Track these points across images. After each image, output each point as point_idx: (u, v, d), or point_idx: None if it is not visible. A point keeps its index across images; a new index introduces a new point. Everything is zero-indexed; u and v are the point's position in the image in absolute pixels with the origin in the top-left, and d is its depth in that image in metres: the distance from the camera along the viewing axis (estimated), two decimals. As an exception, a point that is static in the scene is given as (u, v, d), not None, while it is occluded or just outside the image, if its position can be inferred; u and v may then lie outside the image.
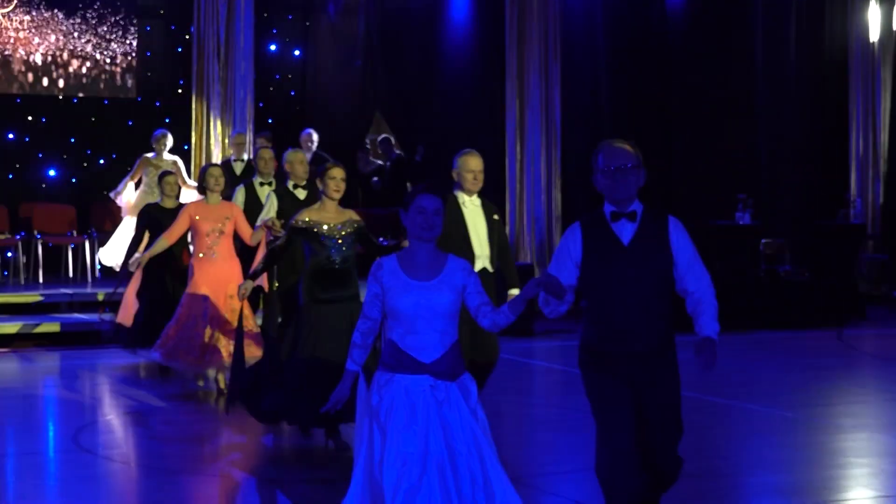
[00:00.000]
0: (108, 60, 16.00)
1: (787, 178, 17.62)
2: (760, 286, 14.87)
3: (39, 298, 13.44)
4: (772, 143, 17.67)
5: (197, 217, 9.54)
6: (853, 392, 10.47)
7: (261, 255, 9.27)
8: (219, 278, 9.46)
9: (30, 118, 15.89)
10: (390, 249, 7.93)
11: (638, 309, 4.97)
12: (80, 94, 15.99)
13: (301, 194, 9.41)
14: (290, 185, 9.53)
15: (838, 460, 7.85)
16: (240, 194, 10.35)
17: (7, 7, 15.42)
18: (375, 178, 16.84)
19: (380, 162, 16.98)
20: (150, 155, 13.81)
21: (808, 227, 17.03)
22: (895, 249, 17.31)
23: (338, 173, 7.61)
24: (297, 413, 7.47)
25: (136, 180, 13.84)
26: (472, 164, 7.79)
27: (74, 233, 15.18)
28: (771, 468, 7.52)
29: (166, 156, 13.81)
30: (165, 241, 9.61)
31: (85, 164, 16.13)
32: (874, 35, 17.58)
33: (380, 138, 17.00)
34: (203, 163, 14.69)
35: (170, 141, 13.86)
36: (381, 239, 11.87)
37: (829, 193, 17.66)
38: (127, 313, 10.68)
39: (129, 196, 13.83)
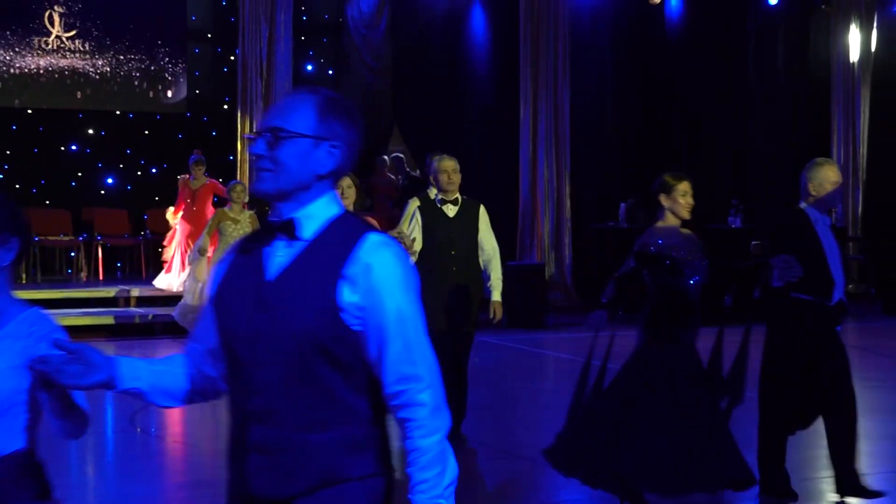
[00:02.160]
0: (160, 79, 16.10)
1: (776, 184, 17.60)
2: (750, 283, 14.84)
3: (109, 294, 13.58)
4: (762, 152, 17.66)
5: None
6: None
7: None
8: None
9: (90, 132, 16.02)
10: (754, 271, 6.18)
11: (274, 410, 2.35)
12: (136, 110, 16.10)
13: (451, 210, 7.26)
14: (437, 197, 7.27)
15: (821, 441, 7.85)
16: (413, 207, 7.39)
17: (69, 32, 15.53)
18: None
19: (392, 176, 16.25)
20: (226, 208, 11.45)
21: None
22: (873, 251, 17.28)
23: (687, 187, 5.85)
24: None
25: (213, 236, 11.37)
26: (832, 175, 5.89)
27: (129, 235, 15.33)
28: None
29: (244, 209, 11.40)
30: None
31: (139, 173, 16.24)
32: (854, 56, 17.58)
33: (392, 155, 16.61)
34: (249, 175, 14.68)
35: (247, 192, 11.50)
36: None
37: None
38: None
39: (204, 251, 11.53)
